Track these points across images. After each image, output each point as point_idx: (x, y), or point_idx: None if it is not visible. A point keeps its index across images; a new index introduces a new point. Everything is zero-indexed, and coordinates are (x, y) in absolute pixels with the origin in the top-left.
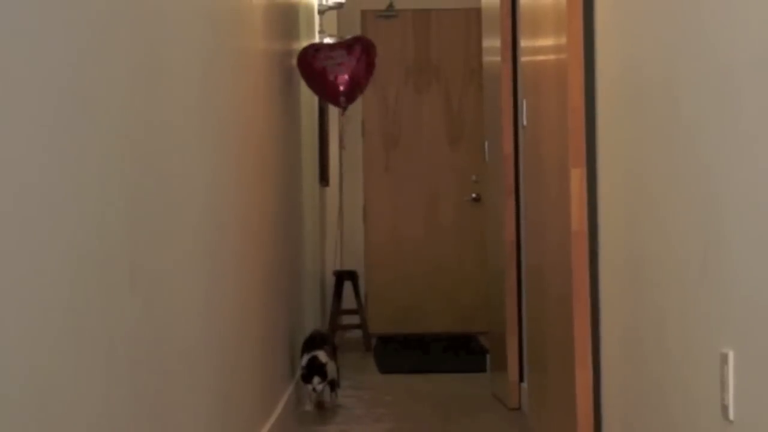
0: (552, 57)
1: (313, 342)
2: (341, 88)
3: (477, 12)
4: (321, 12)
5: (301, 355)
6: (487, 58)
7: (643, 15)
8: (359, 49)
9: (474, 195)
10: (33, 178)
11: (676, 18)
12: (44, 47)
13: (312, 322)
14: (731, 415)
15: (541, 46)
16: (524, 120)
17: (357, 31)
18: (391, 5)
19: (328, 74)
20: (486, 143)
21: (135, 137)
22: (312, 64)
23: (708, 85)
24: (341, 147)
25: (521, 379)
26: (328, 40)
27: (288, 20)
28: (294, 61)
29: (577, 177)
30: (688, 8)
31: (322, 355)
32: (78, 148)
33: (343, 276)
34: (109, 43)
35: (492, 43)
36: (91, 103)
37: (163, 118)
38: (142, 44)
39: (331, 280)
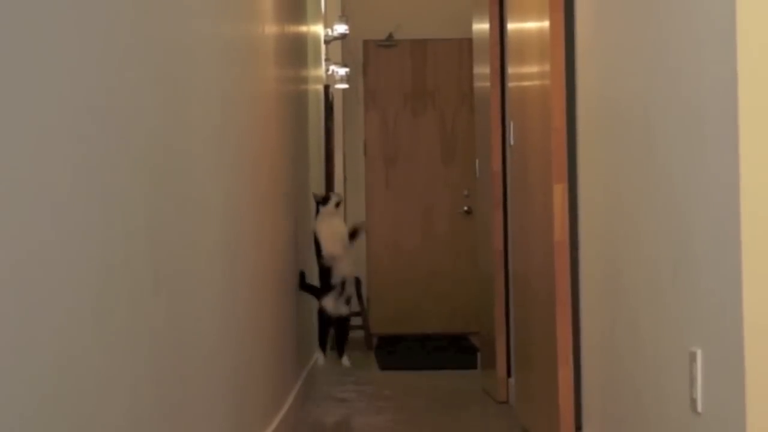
0: (537, 82)
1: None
2: None
3: (469, 42)
4: (327, 42)
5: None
6: (477, 84)
7: (619, 45)
8: None
9: (466, 208)
10: (66, 196)
11: (648, 48)
12: (80, 80)
13: None
14: (699, 407)
15: (527, 72)
16: (511, 140)
17: (360, 60)
18: (390, 36)
19: None
20: (477, 161)
21: (160, 158)
22: None
23: (677, 111)
24: (344, 177)
25: (509, 375)
26: (333, 67)
27: (297, 50)
28: (303, 87)
29: (559, 192)
30: (660, 40)
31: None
32: (107, 169)
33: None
34: (137, 73)
35: (482, 70)
36: (119, 128)
37: (185, 140)
38: (167, 75)
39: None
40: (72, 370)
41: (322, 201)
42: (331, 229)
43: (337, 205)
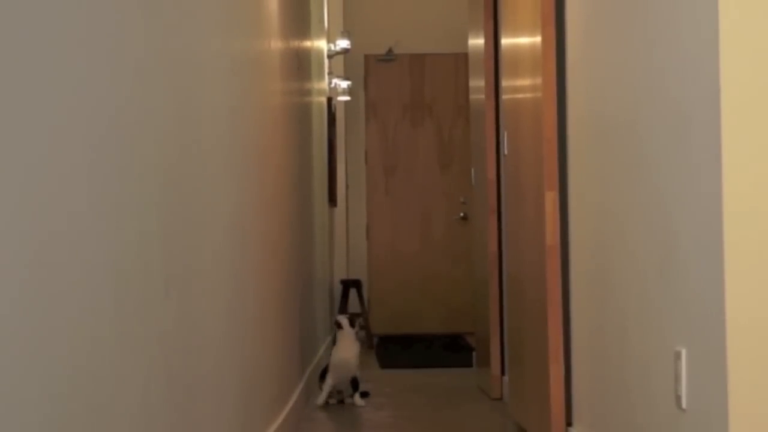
0: (529, 95)
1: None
2: None
3: (465, 57)
4: (330, 56)
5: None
6: (473, 96)
7: (608, 58)
8: None
9: (462, 214)
10: (81, 203)
11: (635, 61)
12: (95, 92)
13: (322, 324)
14: (684, 404)
15: (520, 85)
16: (505, 149)
17: (361, 73)
18: (390, 50)
19: None
20: (472, 169)
21: (171, 166)
22: None
23: (663, 120)
24: (347, 185)
25: (503, 373)
26: (336, 80)
27: (301, 64)
28: (307, 99)
29: (550, 199)
30: (646, 53)
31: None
32: (121, 178)
33: (348, 284)
34: (148, 86)
35: (477, 83)
36: (132, 139)
37: (195, 149)
38: (178, 88)
39: (338, 287)
40: (87, 367)
41: (336, 326)
42: (341, 355)
43: (351, 324)
